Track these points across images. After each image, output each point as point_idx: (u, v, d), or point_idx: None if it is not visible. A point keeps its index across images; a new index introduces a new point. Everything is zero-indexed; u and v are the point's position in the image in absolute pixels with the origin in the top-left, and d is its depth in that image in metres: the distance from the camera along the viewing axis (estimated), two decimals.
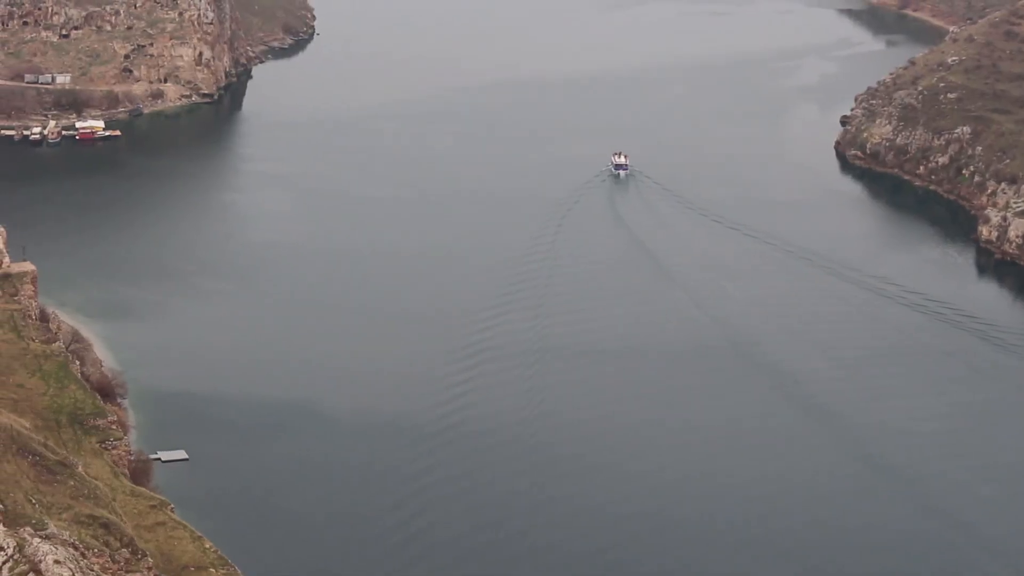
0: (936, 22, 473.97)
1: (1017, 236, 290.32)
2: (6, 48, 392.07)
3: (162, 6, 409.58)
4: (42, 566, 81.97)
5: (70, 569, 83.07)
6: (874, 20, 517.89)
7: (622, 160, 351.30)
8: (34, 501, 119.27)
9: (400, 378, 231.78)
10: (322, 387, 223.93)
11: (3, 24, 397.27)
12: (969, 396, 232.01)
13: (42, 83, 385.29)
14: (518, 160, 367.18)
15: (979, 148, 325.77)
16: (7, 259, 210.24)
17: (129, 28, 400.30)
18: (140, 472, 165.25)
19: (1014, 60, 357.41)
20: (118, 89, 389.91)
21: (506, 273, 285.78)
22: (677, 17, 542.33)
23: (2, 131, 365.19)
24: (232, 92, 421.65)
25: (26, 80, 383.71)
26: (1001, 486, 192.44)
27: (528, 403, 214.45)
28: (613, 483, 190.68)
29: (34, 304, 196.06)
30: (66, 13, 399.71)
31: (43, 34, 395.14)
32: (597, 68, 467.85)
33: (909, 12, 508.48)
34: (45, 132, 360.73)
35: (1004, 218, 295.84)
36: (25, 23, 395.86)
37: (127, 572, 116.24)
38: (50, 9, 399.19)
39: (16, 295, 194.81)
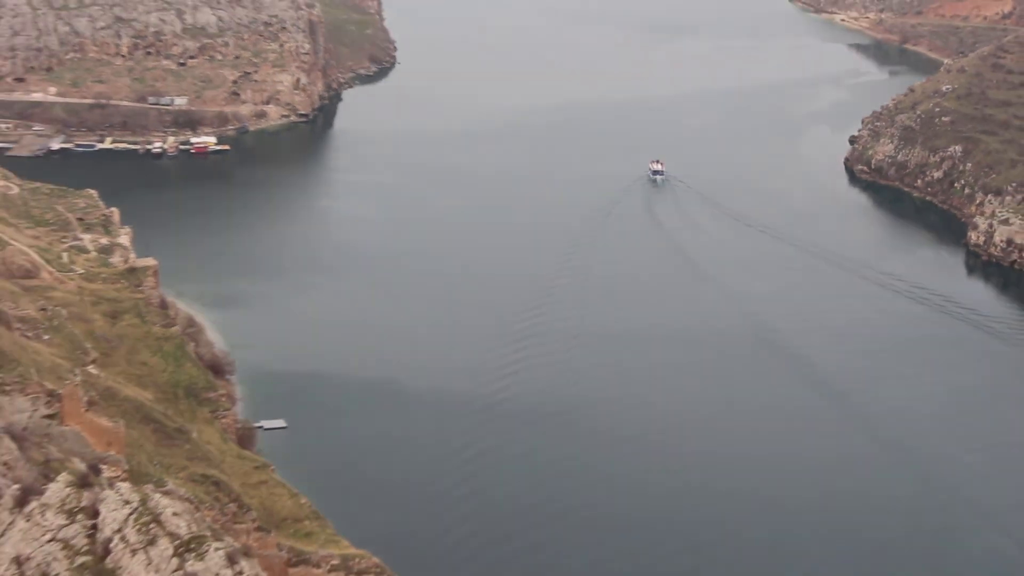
0: (932, 55, 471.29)
1: (1001, 241, 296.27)
2: (132, 74, 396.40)
3: (265, 39, 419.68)
4: (162, 517, 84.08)
5: (186, 520, 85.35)
6: (879, 53, 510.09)
7: (659, 167, 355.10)
8: (155, 462, 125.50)
9: (464, 358, 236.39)
10: (399, 366, 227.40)
11: (130, 54, 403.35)
12: (964, 377, 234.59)
13: (163, 105, 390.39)
14: (570, 170, 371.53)
15: (969, 164, 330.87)
16: (133, 255, 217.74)
17: (237, 57, 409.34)
18: (245, 438, 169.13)
19: (1000, 88, 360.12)
20: (227, 110, 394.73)
21: (555, 264, 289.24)
22: (710, 51, 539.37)
23: (128, 146, 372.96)
24: (325, 113, 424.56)
25: (149, 102, 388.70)
26: (986, 455, 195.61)
27: (571, 380, 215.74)
28: (644, 452, 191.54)
29: (155, 294, 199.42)
30: (183, 45, 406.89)
31: (163, 63, 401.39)
32: (641, 94, 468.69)
33: (909, 46, 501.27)
34: (165, 147, 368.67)
35: (990, 225, 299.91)
36: (148, 53, 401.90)
37: (234, 523, 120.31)
38: (169, 41, 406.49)
39: (140, 286, 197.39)
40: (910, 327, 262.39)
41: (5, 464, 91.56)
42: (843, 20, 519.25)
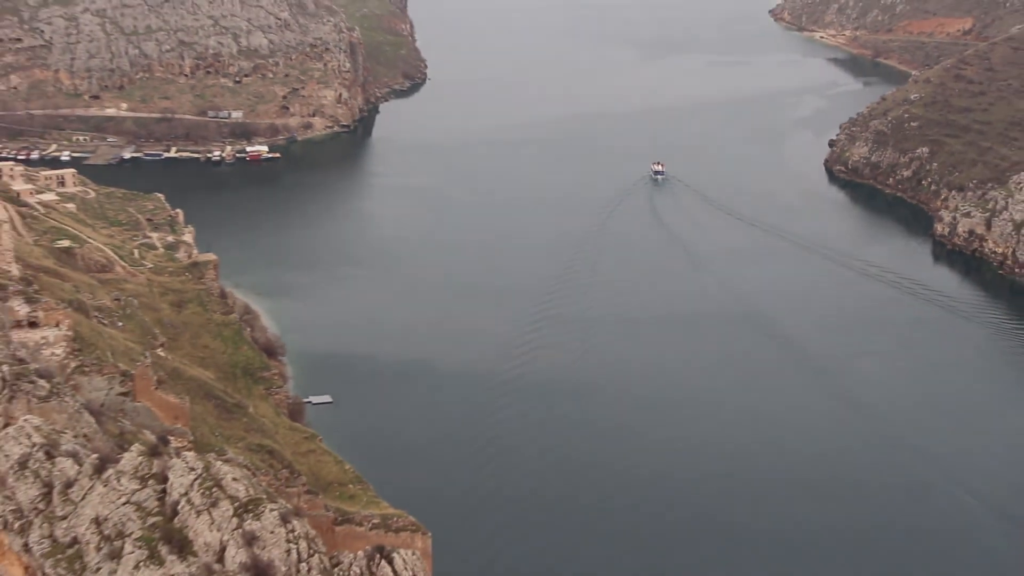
0: (902, 68, 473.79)
1: (964, 231, 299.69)
2: (194, 92, 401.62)
3: (311, 59, 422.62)
4: (223, 482, 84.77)
5: (244, 485, 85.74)
6: (854, 66, 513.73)
7: (659, 167, 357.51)
8: (216, 434, 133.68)
9: (489, 338, 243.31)
10: (432, 346, 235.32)
11: (192, 73, 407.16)
12: (931, 352, 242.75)
13: (221, 118, 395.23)
14: (581, 170, 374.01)
15: (935, 164, 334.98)
16: (195, 251, 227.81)
17: (286, 75, 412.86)
18: (295, 412, 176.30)
19: (961, 97, 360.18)
20: (278, 122, 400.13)
21: (569, 250, 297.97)
22: (704, 67, 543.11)
23: (191, 154, 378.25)
24: (364, 123, 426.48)
25: (209, 116, 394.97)
26: (950, 419, 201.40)
27: (580, 356, 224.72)
28: (649, 413, 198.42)
29: (215, 285, 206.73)
30: (239, 65, 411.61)
31: (221, 81, 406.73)
32: (644, 105, 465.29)
33: (881, 60, 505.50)
34: (223, 155, 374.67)
35: (954, 218, 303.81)
36: (208, 73, 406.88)
37: (286, 487, 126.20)
38: (227, 61, 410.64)
39: (202, 278, 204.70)
40: (883, 308, 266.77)
41: (85, 436, 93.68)
42: (822, 37, 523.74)
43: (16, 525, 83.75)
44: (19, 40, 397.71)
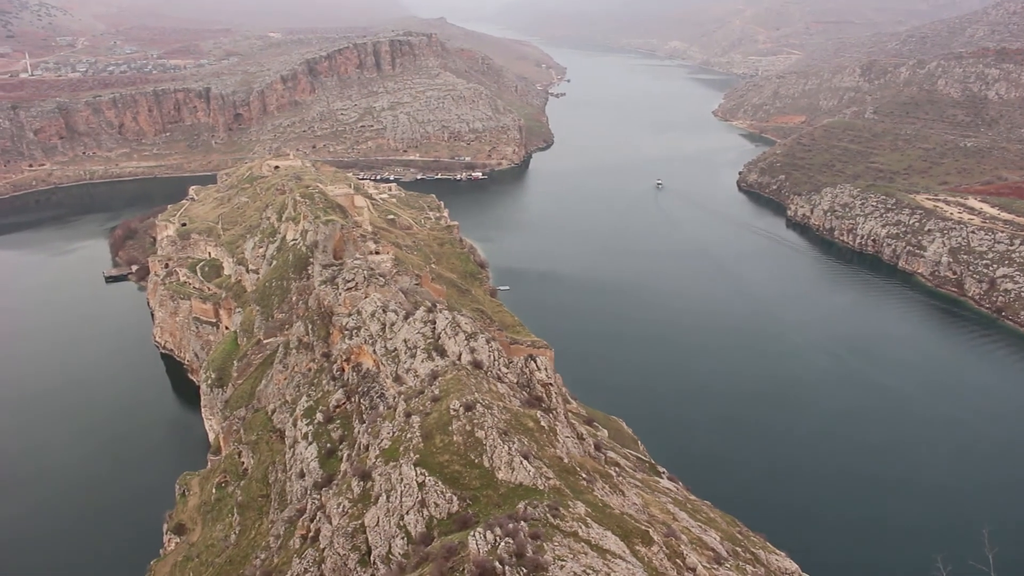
0: (774, 138, 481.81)
1: (801, 215, 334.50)
2: (447, 148, 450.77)
3: (501, 132, 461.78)
4: (460, 324, 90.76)
5: (469, 325, 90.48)
6: (751, 138, 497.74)
7: (660, 182, 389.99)
8: (456, 303, 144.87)
9: (591, 258, 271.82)
10: (565, 264, 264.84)
11: (447, 140, 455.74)
12: (782, 269, 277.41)
13: (460, 159, 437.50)
14: (626, 180, 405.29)
15: (788, 183, 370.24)
16: (448, 220, 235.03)
17: (489, 140, 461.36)
18: (493, 293, 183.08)
19: (800, 152, 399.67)
20: (486, 161, 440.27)
21: (624, 211, 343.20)
22: (679, 135, 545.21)
23: (445, 176, 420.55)
24: (525, 162, 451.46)
25: (454, 159, 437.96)
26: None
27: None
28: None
29: (457, 236, 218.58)
30: (469, 135, 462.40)
31: (459, 143, 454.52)
32: (649, 153, 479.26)
33: (764, 135, 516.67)
34: (461, 177, 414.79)
35: (796, 208, 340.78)
36: (453, 138, 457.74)
37: (488, 327, 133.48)
38: (462, 133, 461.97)
39: (451, 232, 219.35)
40: (761, 248, 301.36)
41: (399, 303, 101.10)
42: (738, 123, 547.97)
43: (371, 341, 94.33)
44: (372, 127, 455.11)
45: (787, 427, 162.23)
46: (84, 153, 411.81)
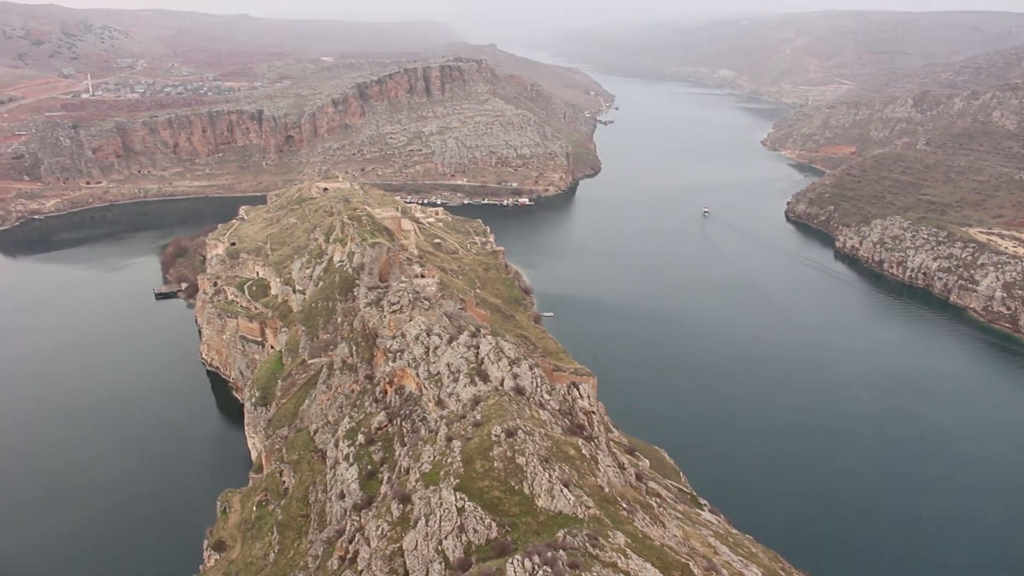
0: (823, 168, 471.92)
1: (850, 246, 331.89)
2: (495, 173, 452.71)
3: (548, 159, 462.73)
4: (504, 349, 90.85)
5: (512, 351, 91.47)
6: (801, 168, 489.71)
7: (706, 210, 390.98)
8: (500, 329, 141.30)
9: (637, 283, 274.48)
10: (608, 291, 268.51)
11: (494, 165, 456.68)
12: (838, 301, 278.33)
13: (506, 185, 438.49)
14: (672, 208, 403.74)
15: (837, 214, 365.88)
16: (494, 245, 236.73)
17: (537, 166, 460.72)
18: (537, 320, 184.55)
19: (852, 184, 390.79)
20: (533, 187, 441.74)
21: (676, 233, 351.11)
22: (727, 165, 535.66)
23: (492, 201, 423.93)
24: (572, 189, 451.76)
25: (501, 184, 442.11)
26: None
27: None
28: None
29: (503, 260, 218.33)
30: (516, 160, 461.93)
31: (507, 169, 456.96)
32: (695, 181, 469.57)
33: (813, 164, 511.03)
34: (508, 203, 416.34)
35: (844, 240, 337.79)
36: (501, 164, 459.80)
37: (532, 353, 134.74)
38: (510, 159, 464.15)
39: (497, 257, 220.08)
40: (809, 279, 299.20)
41: (443, 327, 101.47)
42: (786, 153, 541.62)
43: (415, 364, 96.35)
44: (420, 151, 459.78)
45: (833, 461, 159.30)
46: (139, 171, 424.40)
